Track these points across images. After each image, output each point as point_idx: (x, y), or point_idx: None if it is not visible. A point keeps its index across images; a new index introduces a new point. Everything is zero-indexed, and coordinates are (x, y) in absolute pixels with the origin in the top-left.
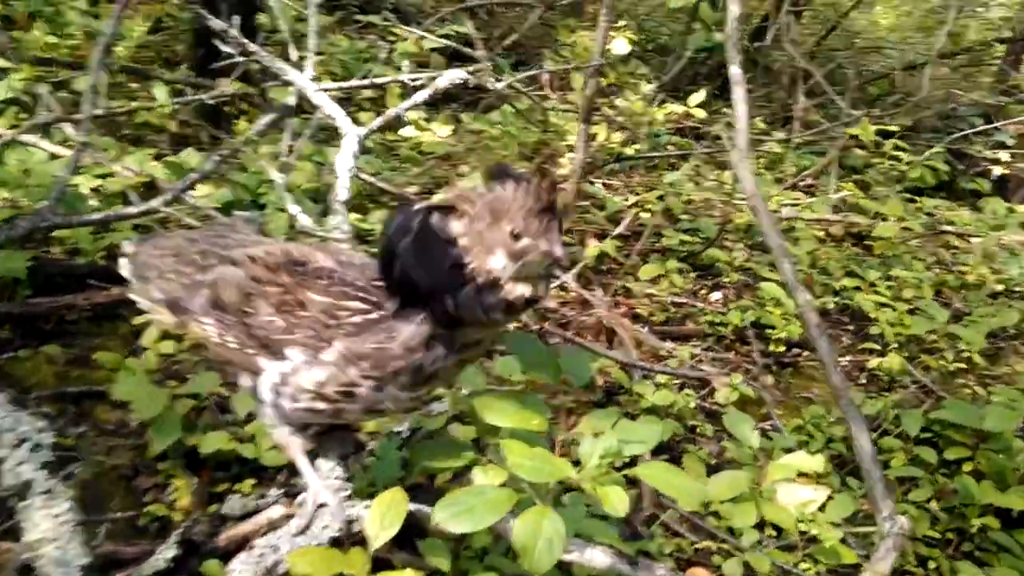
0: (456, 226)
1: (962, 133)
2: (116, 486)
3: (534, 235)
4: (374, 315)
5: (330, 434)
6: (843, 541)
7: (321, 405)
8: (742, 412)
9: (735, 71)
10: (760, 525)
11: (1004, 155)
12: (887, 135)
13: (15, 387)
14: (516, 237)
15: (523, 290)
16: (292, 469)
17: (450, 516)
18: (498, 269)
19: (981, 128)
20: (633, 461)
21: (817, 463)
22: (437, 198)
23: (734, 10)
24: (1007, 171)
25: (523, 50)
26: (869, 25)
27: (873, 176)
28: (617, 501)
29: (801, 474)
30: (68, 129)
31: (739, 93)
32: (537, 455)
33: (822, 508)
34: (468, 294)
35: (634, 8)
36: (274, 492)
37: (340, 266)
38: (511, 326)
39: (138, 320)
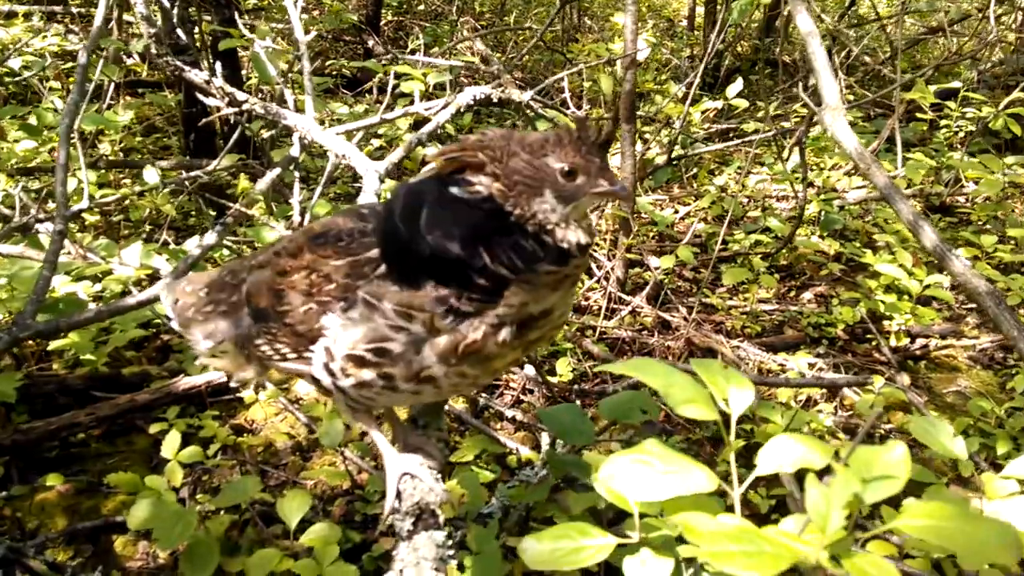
0: (481, 179)
1: None
2: None
3: (593, 173)
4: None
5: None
6: None
7: (366, 374)
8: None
9: (804, 20)
10: None
11: None
12: (945, 96)
13: (13, 532)
14: (569, 175)
15: (576, 236)
16: None
17: None
18: (547, 211)
19: None
20: None
21: None
22: (437, 156)
23: None
24: None
25: (531, 74)
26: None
27: (937, 143)
28: None
29: None
30: (50, 227)
31: (815, 45)
32: (746, 535)
33: None
34: (509, 247)
35: None
36: None
37: (361, 220)
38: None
39: (155, 428)
